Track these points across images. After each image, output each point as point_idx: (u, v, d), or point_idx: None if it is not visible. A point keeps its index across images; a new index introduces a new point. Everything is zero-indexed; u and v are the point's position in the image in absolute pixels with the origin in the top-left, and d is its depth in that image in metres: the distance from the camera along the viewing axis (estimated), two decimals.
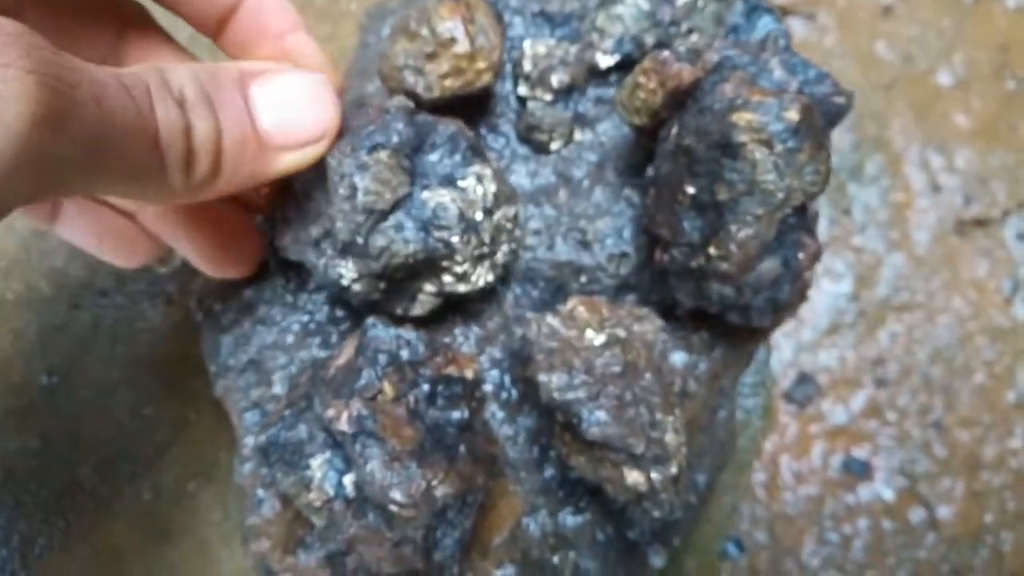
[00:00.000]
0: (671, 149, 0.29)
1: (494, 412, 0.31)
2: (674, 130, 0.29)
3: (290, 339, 0.32)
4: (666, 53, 0.29)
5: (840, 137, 0.52)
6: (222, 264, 0.33)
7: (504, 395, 0.32)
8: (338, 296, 0.31)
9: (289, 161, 0.28)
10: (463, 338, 0.32)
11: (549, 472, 0.31)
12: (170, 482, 0.39)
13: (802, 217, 0.28)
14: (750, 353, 0.33)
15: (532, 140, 0.34)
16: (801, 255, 0.28)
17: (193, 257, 0.32)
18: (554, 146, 0.34)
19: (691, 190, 0.28)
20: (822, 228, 0.50)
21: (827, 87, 0.29)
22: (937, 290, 0.49)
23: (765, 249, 0.27)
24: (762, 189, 0.26)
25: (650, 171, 0.30)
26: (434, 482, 0.26)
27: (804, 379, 0.48)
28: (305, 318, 0.33)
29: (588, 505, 0.31)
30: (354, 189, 0.28)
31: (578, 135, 0.34)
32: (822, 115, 0.29)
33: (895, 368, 0.48)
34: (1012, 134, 0.53)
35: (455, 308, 0.32)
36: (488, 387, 0.32)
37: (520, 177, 0.34)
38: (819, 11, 0.54)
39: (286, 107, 0.27)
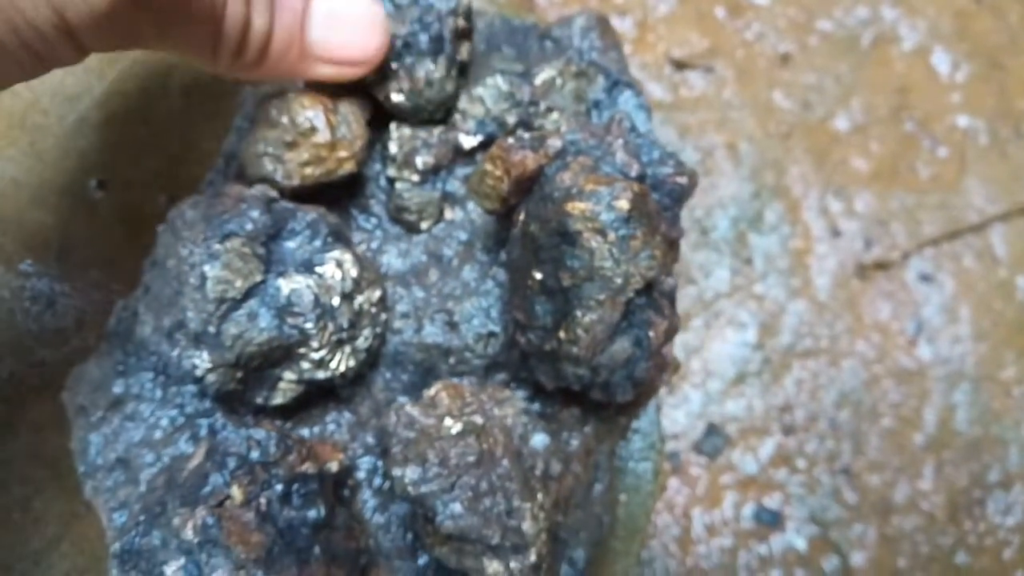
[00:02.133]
0: (519, 235, 0.29)
1: (366, 500, 0.31)
2: (521, 216, 0.29)
3: (158, 435, 0.32)
4: (510, 140, 0.29)
5: (740, 187, 0.52)
6: None
7: (377, 482, 0.31)
8: (201, 388, 0.31)
9: (324, 73, 0.31)
10: (335, 425, 0.32)
11: (423, 560, 0.31)
12: None
13: (649, 297, 0.28)
14: (623, 425, 0.33)
15: (402, 220, 0.34)
16: (652, 333, 0.28)
17: None
18: (424, 225, 0.34)
19: (538, 275, 0.28)
20: (724, 278, 0.50)
21: (670, 168, 0.29)
22: (840, 334, 0.50)
23: (614, 331, 0.28)
24: (601, 275, 0.27)
25: (503, 255, 0.30)
26: None
27: (713, 430, 0.48)
28: (174, 412, 0.32)
29: None
30: (203, 278, 0.29)
31: (448, 213, 0.35)
32: (667, 195, 0.30)
33: (802, 415, 0.49)
34: (911, 175, 0.54)
35: (326, 395, 0.32)
36: (361, 474, 0.31)
37: (392, 257, 0.34)
38: (717, 63, 0.55)
39: (337, 25, 0.30)
